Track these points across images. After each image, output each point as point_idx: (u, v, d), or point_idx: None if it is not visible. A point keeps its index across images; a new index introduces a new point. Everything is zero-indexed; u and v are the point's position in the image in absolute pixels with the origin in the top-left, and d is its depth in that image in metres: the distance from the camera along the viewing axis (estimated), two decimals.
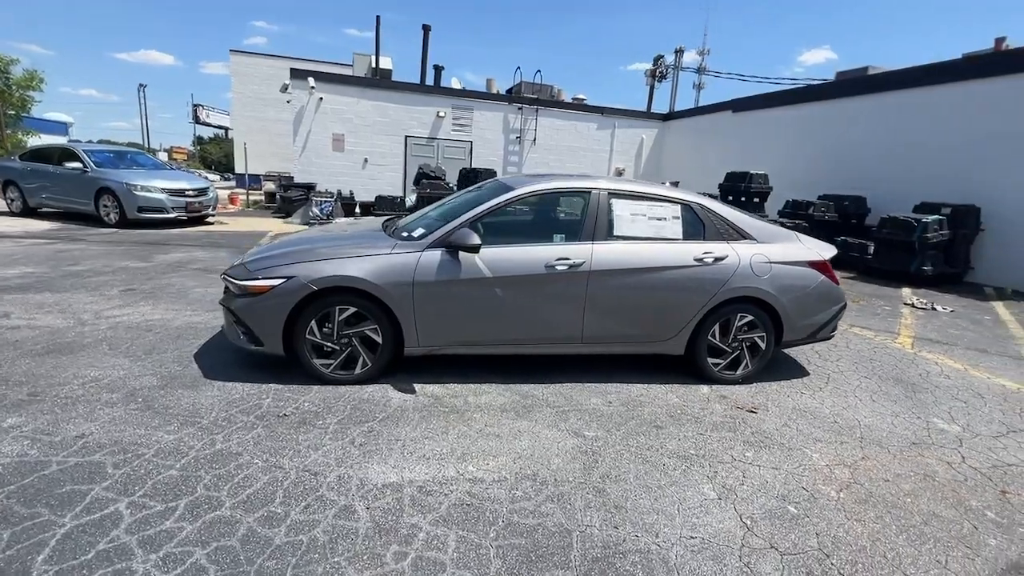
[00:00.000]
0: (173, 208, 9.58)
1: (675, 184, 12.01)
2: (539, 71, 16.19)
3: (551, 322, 3.53)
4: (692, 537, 2.21)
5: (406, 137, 14.87)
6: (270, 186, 14.59)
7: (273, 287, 3.18)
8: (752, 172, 10.56)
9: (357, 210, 13.68)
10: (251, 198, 15.21)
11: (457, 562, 1.97)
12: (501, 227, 3.47)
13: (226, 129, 45.79)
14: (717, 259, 3.64)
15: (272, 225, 11.17)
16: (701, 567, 2.04)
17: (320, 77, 13.72)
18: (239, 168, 23.98)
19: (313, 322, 3.25)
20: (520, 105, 15.75)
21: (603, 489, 2.50)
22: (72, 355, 3.58)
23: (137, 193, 9.23)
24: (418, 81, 16.24)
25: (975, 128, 9.03)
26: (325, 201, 11.54)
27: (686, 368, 3.94)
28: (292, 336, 3.27)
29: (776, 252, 3.79)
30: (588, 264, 3.46)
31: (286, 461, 2.52)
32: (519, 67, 16.17)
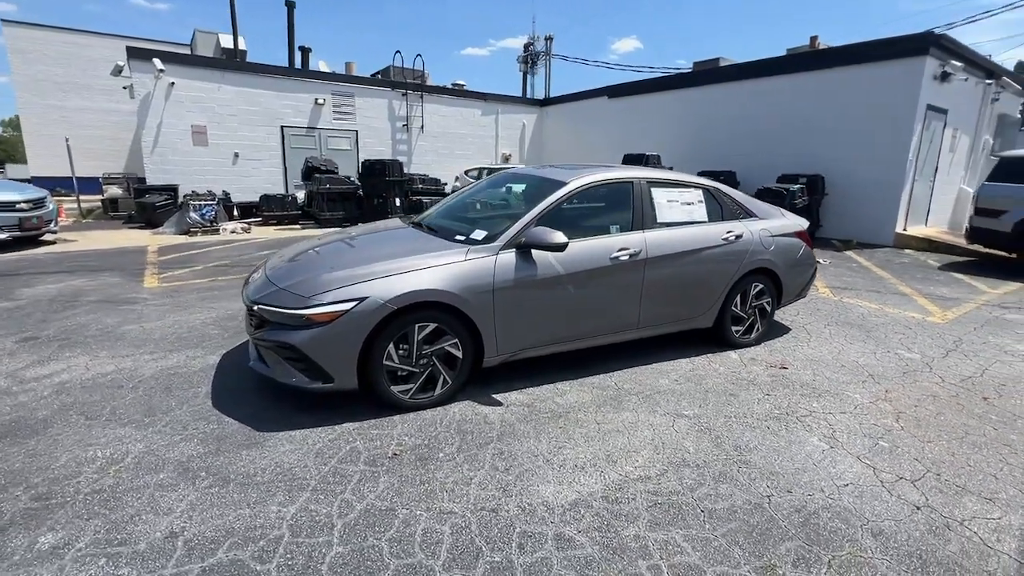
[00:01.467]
0: (2, 226, 7.38)
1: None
2: (419, 55, 15.53)
3: (614, 311, 3.59)
4: (845, 485, 2.50)
5: (282, 127, 13.29)
6: (114, 190, 11.93)
7: (344, 312, 2.72)
8: (647, 154, 11.59)
9: (236, 213, 11.95)
10: (83, 206, 12.28)
11: (708, 559, 1.98)
12: (559, 222, 3.38)
13: None
14: (737, 237, 4.02)
15: (140, 238, 9.22)
16: (873, 506, 2.33)
17: (169, 58, 11.52)
18: (37, 170, 19.18)
19: (391, 345, 2.87)
20: (405, 91, 15.05)
21: (747, 460, 2.68)
22: (40, 435, 2.67)
23: None
24: (286, 64, 14.53)
25: (810, 111, 11.02)
26: (206, 205, 9.85)
27: (710, 338, 4.30)
28: (366, 366, 2.85)
29: (774, 226, 4.30)
30: (644, 252, 3.57)
31: (451, 504, 2.24)
32: (398, 51, 15.18)
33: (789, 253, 4.33)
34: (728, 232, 3.98)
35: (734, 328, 4.21)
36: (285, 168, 13.49)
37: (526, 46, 21.27)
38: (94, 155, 19.11)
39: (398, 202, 11.24)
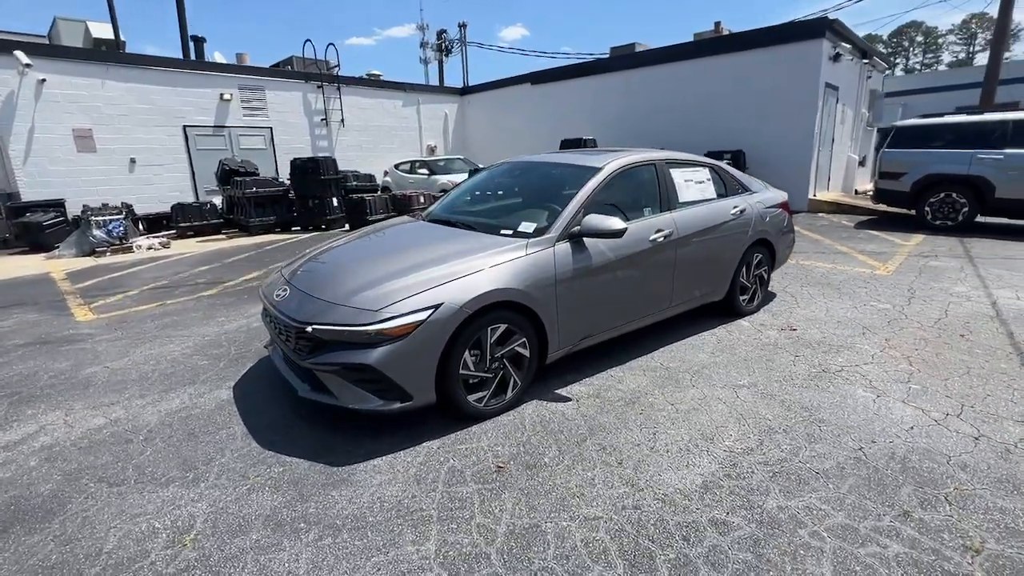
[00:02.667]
0: None
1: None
2: (331, 44, 14.47)
3: (655, 292, 3.63)
4: (910, 428, 2.74)
5: (185, 127, 11.83)
6: None
7: (421, 322, 2.48)
8: (584, 138, 11.83)
9: (142, 227, 10.50)
10: None
11: (853, 517, 2.08)
12: (600, 207, 3.32)
13: None
14: (742, 211, 4.23)
15: (33, 264, 7.76)
16: (945, 444, 2.57)
17: (35, 51, 9.73)
18: None
19: (467, 352, 2.67)
20: (320, 83, 14.03)
21: (821, 419, 2.84)
22: (60, 515, 2.16)
23: None
24: (180, 56, 12.89)
25: (726, 92, 11.87)
26: (112, 220, 8.52)
27: (719, 309, 4.49)
28: (442, 377, 2.63)
29: (766, 199, 4.58)
30: (675, 232, 3.63)
31: (590, 508, 2.15)
32: (309, 39, 14.02)
33: (779, 223, 4.65)
34: (735, 207, 4.18)
35: (741, 298, 4.44)
36: (193, 172, 12.06)
37: (439, 33, 20.72)
38: None
39: (335, 202, 10.51)
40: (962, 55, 64.16)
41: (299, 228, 10.75)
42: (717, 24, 14.11)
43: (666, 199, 3.72)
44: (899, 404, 2.98)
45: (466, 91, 18.37)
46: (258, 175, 10.97)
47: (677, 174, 3.88)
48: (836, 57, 10.92)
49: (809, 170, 10.99)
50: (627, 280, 3.38)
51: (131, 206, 10.41)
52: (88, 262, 7.90)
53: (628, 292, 3.43)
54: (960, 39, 65.19)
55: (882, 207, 9.49)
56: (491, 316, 2.72)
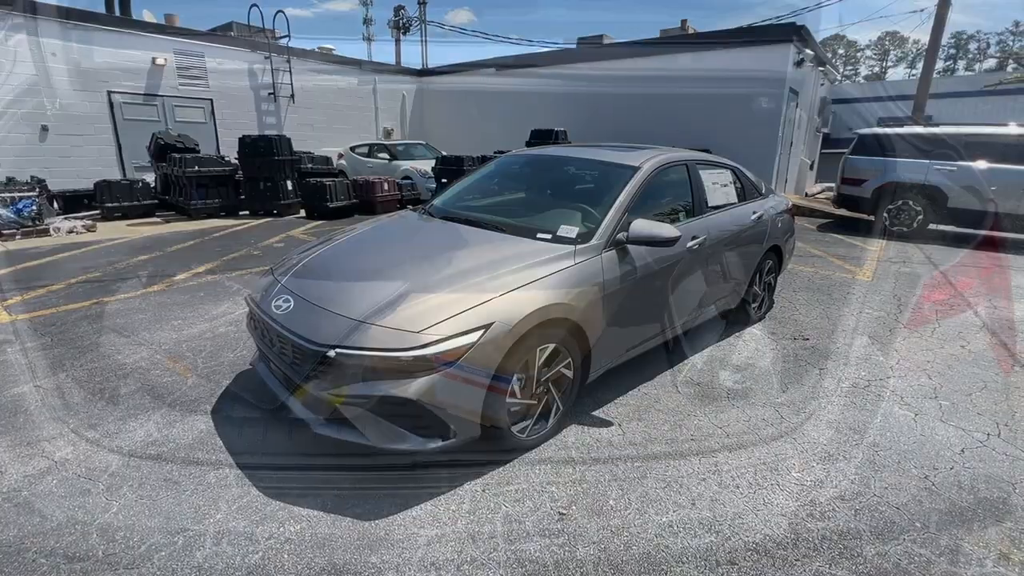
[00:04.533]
0: None
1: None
2: (281, 11, 13.23)
3: (685, 303, 3.40)
4: (961, 451, 2.66)
5: (110, 94, 10.42)
6: None
7: (471, 345, 2.09)
8: (556, 129, 11.53)
9: (57, 205, 9.16)
10: None
11: (958, 563, 1.92)
12: (638, 210, 3.03)
13: None
14: (760, 217, 4.08)
15: None
16: (1000, 467, 2.50)
17: None
18: None
19: (515, 377, 2.31)
20: (268, 54, 12.84)
21: (874, 443, 2.71)
22: None
23: None
24: (103, 11, 11.32)
25: (693, 90, 11.95)
26: (23, 196, 7.29)
27: (728, 317, 4.35)
28: (489, 408, 2.25)
29: (776, 204, 4.47)
30: (708, 239, 3.41)
31: (681, 566, 1.86)
32: (255, 4, 12.68)
33: (787, 230, 4.57)
34: (754, 213, 4.03)
35: (751, 305, 4.33)
36: (119, 146, 10.68)
37: (397, 9, 19.61)
38: None
39: (290, 186, 9.63)
40: (876, 69, 69.77)
41: (248, 213, 9.78)
42: (683, 22, 14.22)
43: (698, 203, 3.49)
44: (939, 424, 2.92)
45: (425, 72, 17.56)
46: (198, 152, 9.86)
47: (705, 176, 3.66)
48: (800, 63, 11.24)
49: (772, 172, 11.30)
50: (665, 291, 3.13)
51: (44, 181, 9.03)
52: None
53: (665, 303, 3.17)
54: (875, 54, 70.77)
55: (833, 211, 9.90)
56: (541, 335, 2.37)
